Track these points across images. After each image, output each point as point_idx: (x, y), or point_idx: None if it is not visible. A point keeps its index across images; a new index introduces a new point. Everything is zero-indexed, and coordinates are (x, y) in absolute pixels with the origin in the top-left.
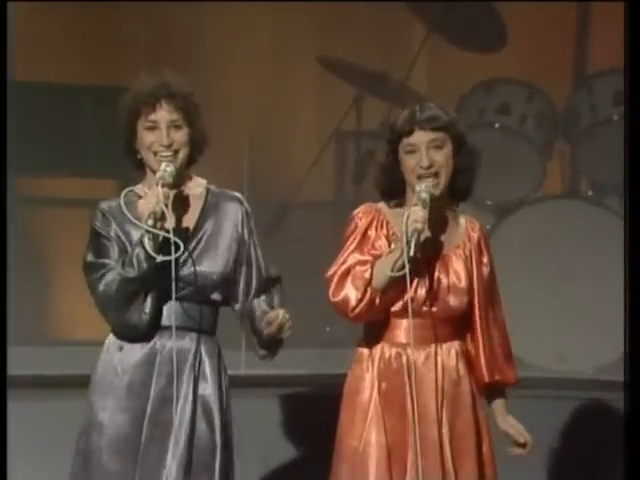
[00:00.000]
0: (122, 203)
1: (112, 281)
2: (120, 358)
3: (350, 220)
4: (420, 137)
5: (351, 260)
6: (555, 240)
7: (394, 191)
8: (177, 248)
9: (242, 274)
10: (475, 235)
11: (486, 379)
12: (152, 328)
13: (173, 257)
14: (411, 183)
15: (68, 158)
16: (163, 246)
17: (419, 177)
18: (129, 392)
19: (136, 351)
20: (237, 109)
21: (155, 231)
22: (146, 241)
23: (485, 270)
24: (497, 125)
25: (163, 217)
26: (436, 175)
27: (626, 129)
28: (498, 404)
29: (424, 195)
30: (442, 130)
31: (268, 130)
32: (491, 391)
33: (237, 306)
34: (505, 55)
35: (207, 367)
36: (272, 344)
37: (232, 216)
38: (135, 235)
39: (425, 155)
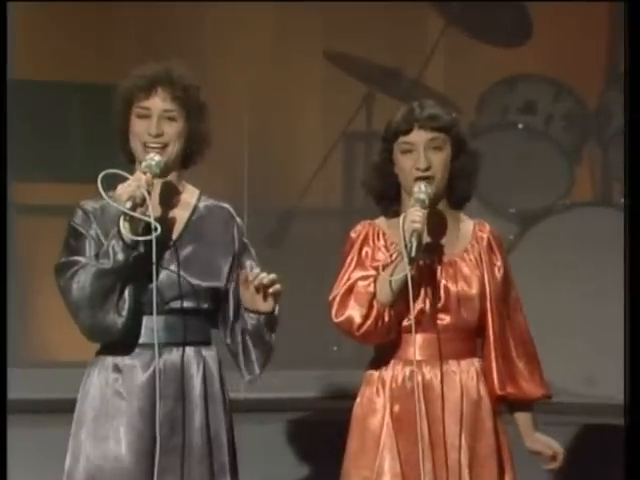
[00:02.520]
0: (99, 183)
1: (86, 277)
2: (121, 380)
3: (346, 240)
4: (419, 136)
5: (353, 277)
6: (585, 252)
7: (388, 195)
8: (157, 231)
9: (231, 292)
10: (484, 236)
11: (497, 391)
12: (129, 333)
13: (154, 236)
14: (406, 186)
15: (51, 161)
16: (142, 235)
17: (415, 179)
18: (141, 416)
19: (138, 371)
20: (236, 108)
21: (133, 213)
22: (122, 224)
23: (498, 273)
24: (521, 126)
25: (143, 203)
26: (432, 178)
27: (626, 130)
28: (522, 420)
29: (422, 196)
30: (442, 130)
31: (270, 131)
32: (514, 406)
33: (225, 330)
34: (530, 49)
35: (214, 384)
36: (263, 352)
37: (222, 229)
38: None
39: (423, 156)
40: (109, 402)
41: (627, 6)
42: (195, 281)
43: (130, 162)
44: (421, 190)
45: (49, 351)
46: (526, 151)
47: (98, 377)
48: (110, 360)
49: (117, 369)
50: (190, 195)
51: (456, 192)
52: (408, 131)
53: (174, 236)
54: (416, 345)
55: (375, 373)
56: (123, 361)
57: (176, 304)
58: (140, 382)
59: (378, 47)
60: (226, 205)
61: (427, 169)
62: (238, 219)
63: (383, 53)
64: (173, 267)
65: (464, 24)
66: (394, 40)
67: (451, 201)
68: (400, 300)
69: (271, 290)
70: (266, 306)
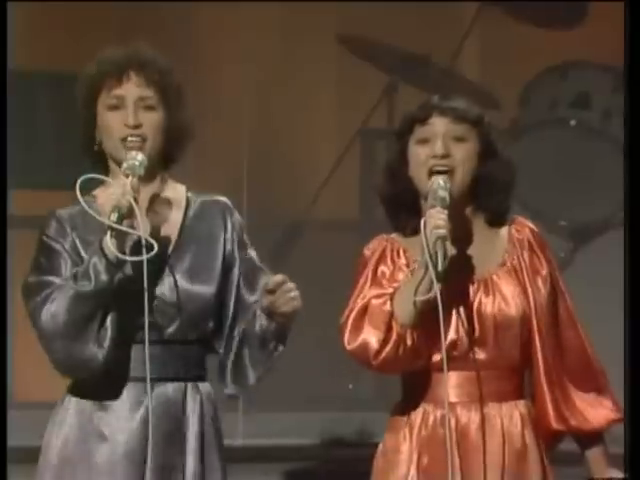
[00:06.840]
0: (77, 189)
1: (61, 301)
2: (105, 420)
3: (360, 257)
4: (438, 124)
5: (367, 296)
6: None
7: (402, 202)
8: (149, 250)
9: (232, 294)
10: (523, 237)
11: (553, 425)
12: (111, 366)
13: (145, 258)
14: (420, 185)
15: (16, 165)
16: (130, 252)
17: (430, 172)
18: (128, 461)
19: (125, 410)
20: (235, 104)
21: (120, 227)
22: (108, 240)
23: (543, 285)
24: (573, 122)
25: (131, 214)
26: (451, 172)
27: (626, 130)
28: (592, 455)
29: (442, 193)
30: (467, 122)
31: (274, 130)
32: (581, 440)
33: (220, 335)
34: (584, 32)
35: (210, 425)
36: (261, 358)
37: (218, 227)
38: None
39: (441, 142)
40: (88, 446)
41: (627, 6)
42: (192, 301)
43: (96, 168)
44: (440, 186)
45: (21, 390)
46: (579, 152)
47: (78, 417)
48: (88, 398)
49: (102, 407)
50: (178, 195)
51: (487, 207)
52: (425, 119)
53: (166, 249)
54: (448, 384)
55: (402, 418)
56: (105, 399)
57: (170, 331)
58: (128, 422)
59: (401, 30)
60: (222, 199)
61: (445, 157)
62: (236, 214)
63: (407, 37)
64: (166, 288)
65: (504, 2)
66: (421, 22)
67: (485, 219)
68: (426, 323)
69: (291, 295)
70: (287, 306)
